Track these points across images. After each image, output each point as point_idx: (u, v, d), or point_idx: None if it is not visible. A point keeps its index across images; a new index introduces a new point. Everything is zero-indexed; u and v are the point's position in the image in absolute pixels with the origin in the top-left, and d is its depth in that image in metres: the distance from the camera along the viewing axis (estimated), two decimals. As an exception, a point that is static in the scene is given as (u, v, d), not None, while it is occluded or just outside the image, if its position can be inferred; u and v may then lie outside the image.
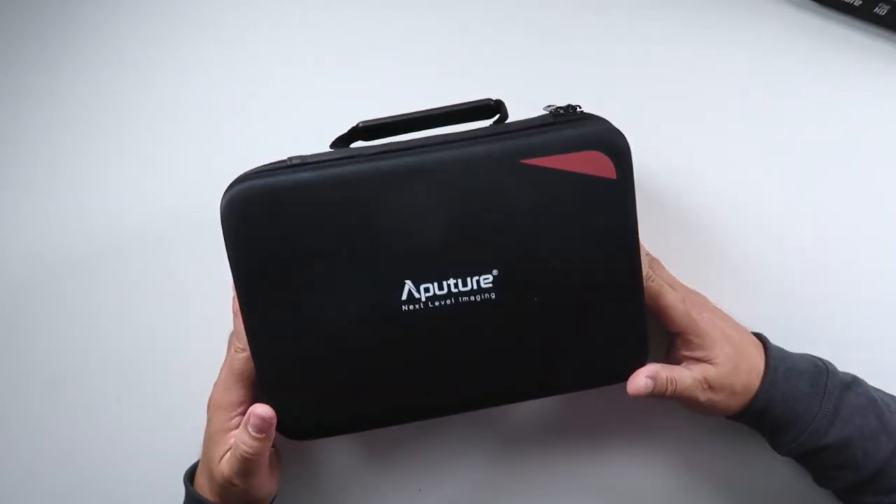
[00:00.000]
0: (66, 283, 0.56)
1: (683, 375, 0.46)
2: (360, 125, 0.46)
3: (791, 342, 0.52)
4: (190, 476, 0.50)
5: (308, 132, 0.49)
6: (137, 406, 0.57)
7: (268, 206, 0.42)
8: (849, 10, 0.55)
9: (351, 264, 0.43)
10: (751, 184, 0.56)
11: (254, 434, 0.44)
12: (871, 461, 0.45)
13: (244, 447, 0.45)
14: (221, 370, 0.49)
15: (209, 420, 0.48)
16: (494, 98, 0.46)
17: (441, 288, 0.43)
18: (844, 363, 0.50)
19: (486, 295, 0.43)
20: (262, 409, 0.44)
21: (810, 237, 0.56)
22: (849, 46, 0.56)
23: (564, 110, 0.45)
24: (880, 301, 0.55)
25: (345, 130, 0.47)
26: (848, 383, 0.47)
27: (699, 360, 0.47)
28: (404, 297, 0.43)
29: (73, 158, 0.56)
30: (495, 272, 0.43)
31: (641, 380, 0.45)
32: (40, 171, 0.56)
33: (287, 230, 0.42)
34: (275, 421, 0.45)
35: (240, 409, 0.47)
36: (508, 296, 0.43)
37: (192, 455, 0.52)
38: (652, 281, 0.47)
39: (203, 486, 0.48)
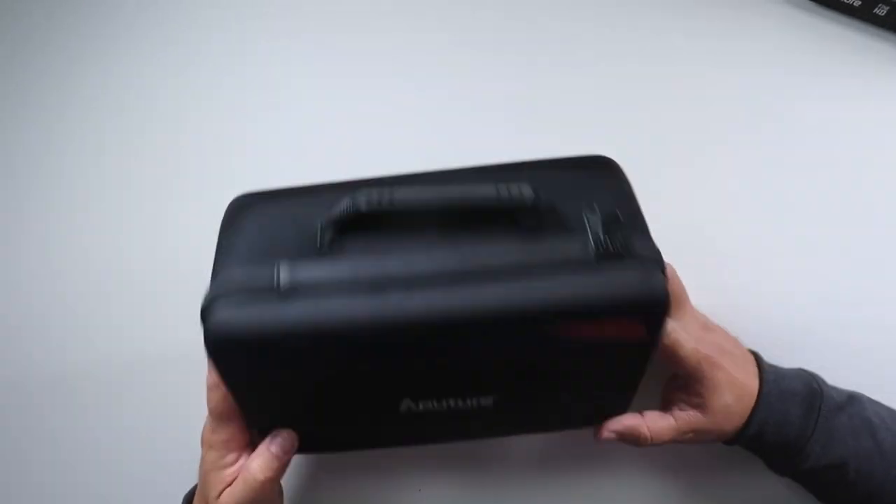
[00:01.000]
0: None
1: (663, 431, 0.46)
2: (364, 208, 0.38)
3: (788, 356, 0.51)
4: (188, 501, 0.49)
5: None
6: (138, 408, 0.57)
7: (255, 349, 0.38)
8: (848, 11, 0.55)
9: (346, 390, 0.41)
10: (748, 185, 0.56)
11: (277, 452, 0.44)
12: (865, 481, 0.45)
13: (261, 468, 0.44)
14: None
15: (202, 458, 0.47)
16: (530, 195, 0.39)
17: (440, 404, 0.42)
18: (842, 376, 0.49)
19: (485, 408, 0.43)
20: (287, 433, 0.45)
21: (810, 240, 0.55)
22: (848, 47, 0.56)
23: (610, 247, 0.38)
24: (879, 309, 0.55)
25: (344, 210, 0.39)
26: (842, 404, 0.47)
27: (694, 406, 0.47)
28: (402, 408, 0.42)
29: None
30: (496, 396, 0.42)
31: (605, 433, 0.47)
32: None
33: (276, 368, 0.39)
34: (297, 442, 0.45)
35: (231, 446, 0.45)
36: (507, 408, 0.43)
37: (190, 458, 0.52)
38: (667, 337, 0.45)
39: None
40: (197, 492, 0.47)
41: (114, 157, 0.59)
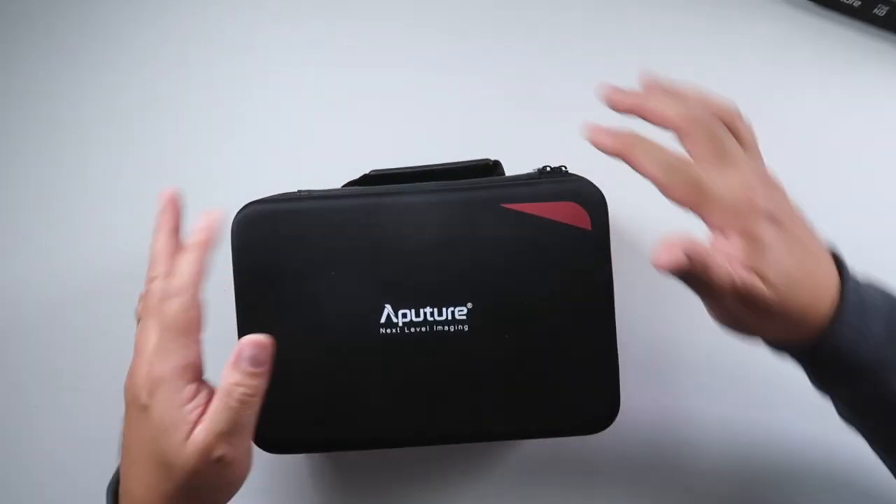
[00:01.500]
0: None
1: (721, 269, 0.35)
2: (371, 173, 0.51)
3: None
4: (114, 491, 0.40)
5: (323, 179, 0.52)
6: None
7: (268, 226, 0.47)
8: (848, 11, 0.55)
9: (338, 284, 0.46)
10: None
11: (251, 369, 0.37)
12: None
13: (241, 390, 0.37)
14: (142, 340, 0.38)
15: (146, 406, 0.37)
16: (493, 159, 0.51)
17: (418, 315, 0.46)
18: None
19: (460, 326, 0.46)
20: (255, 337, 0.38)
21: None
22: (848, 47, 0.56)
23: (552, 169, 0.49)
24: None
25: (357, 176, 0.51)
26: None
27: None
28: (383, 319, 0.46)
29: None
30: (470, 305, 0.46)
31: (677, 253, 0.34)
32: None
33: (284, 249, 0.47)
34: (271, 348, 0.39)
35: (187, 375, 0.37)
36: (481, 329, 0.46)
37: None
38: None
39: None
40: (139, 459, 0.37)
41: (112, 156, 0.59)
